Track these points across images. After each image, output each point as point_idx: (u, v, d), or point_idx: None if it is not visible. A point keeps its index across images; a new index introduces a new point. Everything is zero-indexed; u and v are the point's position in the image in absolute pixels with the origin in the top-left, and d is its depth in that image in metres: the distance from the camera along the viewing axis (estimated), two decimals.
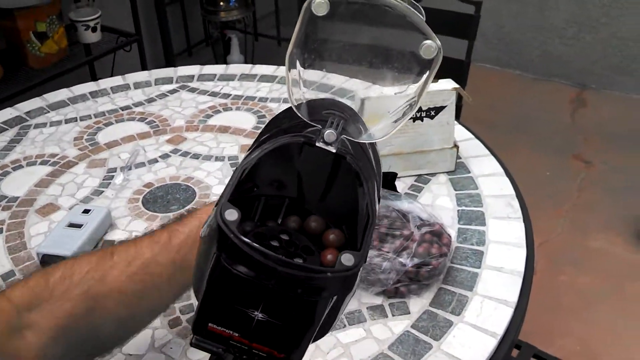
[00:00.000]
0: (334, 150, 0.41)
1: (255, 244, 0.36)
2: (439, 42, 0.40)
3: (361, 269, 0.39)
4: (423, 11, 0.41)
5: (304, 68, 0.45)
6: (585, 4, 2.71)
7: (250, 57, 2.84)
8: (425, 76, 0.41)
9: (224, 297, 0.37)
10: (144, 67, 2.34)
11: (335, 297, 0.38)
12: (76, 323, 0.54)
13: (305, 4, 0.42)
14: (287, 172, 0.45)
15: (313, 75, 0.47)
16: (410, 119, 0.99)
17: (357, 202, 0.42)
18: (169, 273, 0.58)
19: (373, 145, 0.48)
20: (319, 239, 0.44)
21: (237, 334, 0.38)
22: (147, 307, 0.59)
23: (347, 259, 0.37)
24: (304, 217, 0.45)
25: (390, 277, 0.77)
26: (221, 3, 2.58)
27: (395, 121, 0.44)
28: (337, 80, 0.57)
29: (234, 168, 1.03)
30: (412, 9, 0.41)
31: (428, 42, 0.40)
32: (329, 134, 0.40)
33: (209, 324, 0.38)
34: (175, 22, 2.79)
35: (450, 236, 0.82)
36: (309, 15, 0.42)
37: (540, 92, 2.82)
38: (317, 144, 0.41)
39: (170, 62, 2.56)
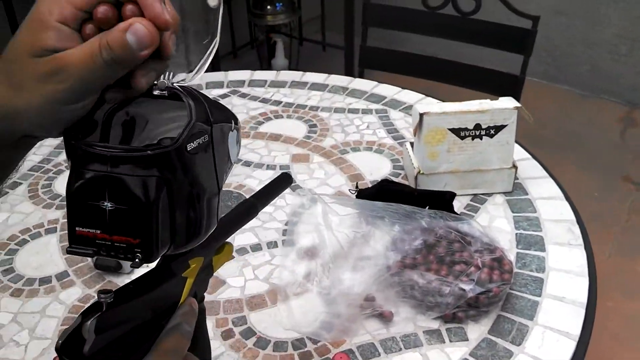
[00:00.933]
0: (166, 94, 0.47)
1: (88, 140, 0.43)
2: None
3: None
4: None
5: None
6: (638, 19, 2.63)
7: (295, 61, 2.84)
8: (216, 23, 0.48)
9: (78, 196, 0.43)
10: None
11: (165, 180, 0.43)
12: None
13: None
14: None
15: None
16: (469, 137, 0.96)
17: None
18: None
19: (216, 100, 0.53)
20: None
21: (98, 231, 0.43)
22: None
23: (165, 141, 0.43)
24: None
25: (449, 302, 0.74)
26: (268, 7, 2.59)
27: (198, 67, 0.50)
28: None
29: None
30: None
31: None
32: (161, 82, 0.47)
33: (76, 229, 0.44)
34: (222, 24, 2.81)
35: (511, 262, 0.79)
36: None
37: (588, 108, 2.75)
38: (154, 93, 0.47)
39: (216, 64, 2.57)
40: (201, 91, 0.49)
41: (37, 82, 0.38)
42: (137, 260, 0.44)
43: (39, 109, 0.39)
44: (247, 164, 1.09)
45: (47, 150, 1.14)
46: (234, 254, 0.89)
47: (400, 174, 1.06)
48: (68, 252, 0.45)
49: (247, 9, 2.84)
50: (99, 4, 0.40)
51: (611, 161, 2.41)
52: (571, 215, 0.95)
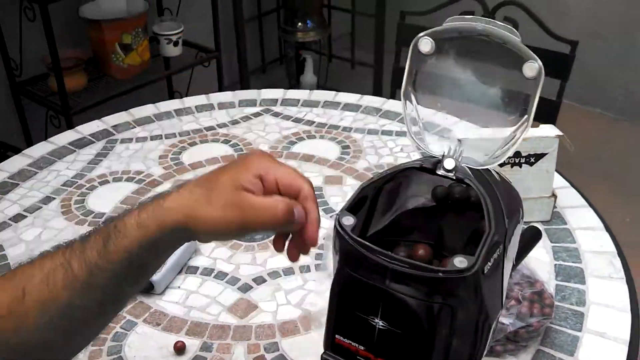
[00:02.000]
0: (453, 177, 0.43)
1: (365, 242, 0.39)
2: (540, 62, 0.41)
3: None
4: (518, 34, 0.43)
5: (418, 104, 0.50)
6: None
7: (324, 78, 2.84)
8: (533, 96, 0.43)
9: (346, 302, 0.39)
10: (220, 83, 2.37)
11: (454, 309, 0.37)
12: None
13: (412, 42, 0.46)
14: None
15: (425, 111, 0.51)
16: (508, 164, 0.94)
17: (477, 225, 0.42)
18: (95, 314, 0.52)
19: (504, 180, 0.48)
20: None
21: (362, 347, 0.39)
22: (76, 347, 0.55)
23: (459, 260, 0.37)
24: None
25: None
26: (299, 24, 2.59)
27: (507, 147, 0.46)
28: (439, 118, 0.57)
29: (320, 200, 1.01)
30: (509, 33, 0.43)
31: (531, 62, 0.42)
32: (449, 161, 0.43)
33: (336, 336, 0.40)
34: (252, 39, 2.82)
35: (552, 296, 0.77)
36: (416, 52, 0.46)
37: (622, 133, 2.70)
38: (437, 172, 0.43)
39: (245, 79, 2.58)
40: (492, 171, 0.42)
41: (225, 205, 0.49)
42: None
43: (215, 224, 0.49)
44: None
45: (80, 165, 1.14)
46: (266, 277, 0.88)
47: None
48: (322, 359, 0.41)
49: (278, 25, 2.85)
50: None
51: None
52: (612, 247, 0.93)
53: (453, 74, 0.47)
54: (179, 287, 0.87)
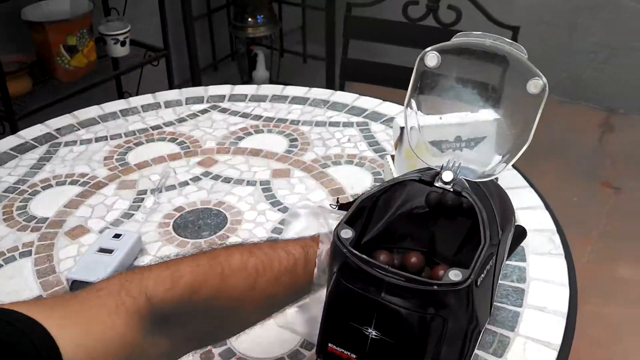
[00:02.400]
0: (450, 190, 0.44)
1: (362, 255, 0.40)
2: (545, 79, 0.44)
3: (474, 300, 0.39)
4: (525, 51, 0.45)
5: (421, 113, 0.49)
6: (615, 27, 2.67)
7: (276, 73, 2.84)
8: (535, 112, 0.45)
9: (341, 313, 0.40)
10: (170, 82, 2.34)
11: (446, 319, 0.39)
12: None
13: (419, 56, 0.47)
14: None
15: (428, 119, 0.52)
16: (450, 149, 0.97)
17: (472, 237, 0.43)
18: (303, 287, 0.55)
19: (498, 188, 0.50)
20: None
21: (354, 356, 0.40)
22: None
23: (454, 274, 0.38)
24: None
25: None
26: (249, 19, 2.59)
27: (505, 160, 0.48)
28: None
29: (266, 194, 1.02)
30: (515, 50, 0.44)
31: (536, 79, 0.44)
32: (447, 173, 0.43)
33: (329, 344, 0.41)
34: (202, 36, 2.80)
35: None
36: (422, 67, 0.47)
37: (567, 115, 2.78)
38: (436, 184, 0.44)
39: (196, 77, 2.56)
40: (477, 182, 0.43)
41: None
42: None
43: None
44: (227, 180, 1.08)
45: (23, 170, 1.12)
46: None
47: None
48: None
49: (228, 21, 2.84)
50: None
51: (590, 166, 2.43)
52: (551, 225, 0.96)
53: (456, 88, 0.49)
54: None
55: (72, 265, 0.87)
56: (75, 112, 1.32)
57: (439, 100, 0.49)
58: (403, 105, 1.38)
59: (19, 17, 1.92)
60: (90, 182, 1.08)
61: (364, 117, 1.27)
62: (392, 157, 1.03)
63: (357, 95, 1.35)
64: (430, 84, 0.48)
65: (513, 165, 1.09)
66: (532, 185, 1.05)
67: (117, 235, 0.91)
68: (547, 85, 0.44)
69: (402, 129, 0.95)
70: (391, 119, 1.23)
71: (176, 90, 1.40)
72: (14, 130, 1.78)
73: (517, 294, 0.83)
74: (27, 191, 1.05)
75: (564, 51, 2.81)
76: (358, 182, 1.07)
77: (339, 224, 0.43)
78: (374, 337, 0.39)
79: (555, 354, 0.75)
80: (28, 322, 0.42)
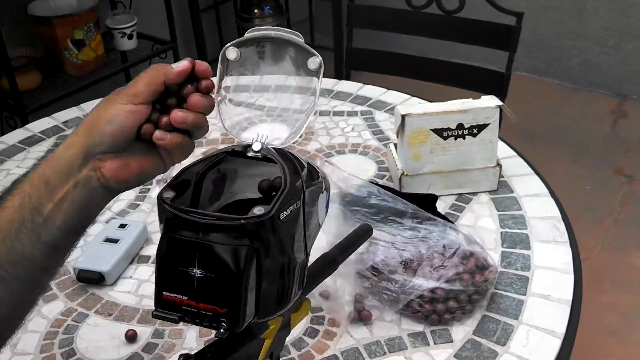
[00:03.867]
0: (260, 157, 0.51)
1: (180, 206, 0.45)
2: (320, 58, 0.52)
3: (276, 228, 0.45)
4: (302, 36, 0.53)
5: (231, 104, 0.60)
6: (627, 11, 2.63)
7: None
8: (316, 85, 0.53)
9: (169, 261, 0.45)
10: None
11: (258, 250, 0.44)
12: None
13: (221, 51, 0.55)
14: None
15: (237, 109, 0.62)
16: (452, 137, 0.96)
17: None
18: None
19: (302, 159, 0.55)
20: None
21: (185, 297, 0.44)
22: None
23: (258, 209, 0.44)
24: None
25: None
26: (256, 11, 2.58)
27: (297, 128, 0.54)
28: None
29: None
30: (295, 36, 0.53)
31: (313, 57, 0.52)
32: (256, 144, 0.51)
33: (163, 293, 0.45)
34: (210, 28, 2.80)
35: (495, 267, 0.79)
36: (225, 60, 0.56)
37: (579, 102, 2.74)
38: (248, 154, 0.51)
39: None
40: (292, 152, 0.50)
41: (118, 102, 0.54)
42: (221, 330, 0.44)
43: (112, 120, 0.53)
44: None
45: (31, 162, 1.13)
46: None
47: (385, 175, 1.06)
48: (153, 316, 0.45)
49: (235, 13, 2.83)
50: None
51: (603, 154, 2.40)
52: (556, 212, 0.95)
53: (258, 76, 0.58)
54: (130, 276, 0.87)
55: (79, 255, 0.87)
56: (82, 105, 1.33)
57: (248, 90, 0.60)
58: (406, 94, 1.37)
59: (26, 12, 1.93)
60: None
61: (368, 106, 1.27)
62: (395, 145, 1.03)
63: (361, 84, 1.35)
64: (238, 75, 0.57)
65: (518, 153, 1.09)
66: (537, 173, 1.04)
67: (122, 225, 0.92)
68: (322, 62, 0.52)
69: (403, 117, 0.94)
70: (394, 108, 1.22)
71: None
72: (24, 124, 1.80)
73: (521, 281, 0.83)
74: None
75: (574, 36, 2.77)
76: (362, 171, 1.06)
77: (161, 189, 0.47)
78: (199, 275, 0.44)
79: (559, 342, 0.74)
80: None
